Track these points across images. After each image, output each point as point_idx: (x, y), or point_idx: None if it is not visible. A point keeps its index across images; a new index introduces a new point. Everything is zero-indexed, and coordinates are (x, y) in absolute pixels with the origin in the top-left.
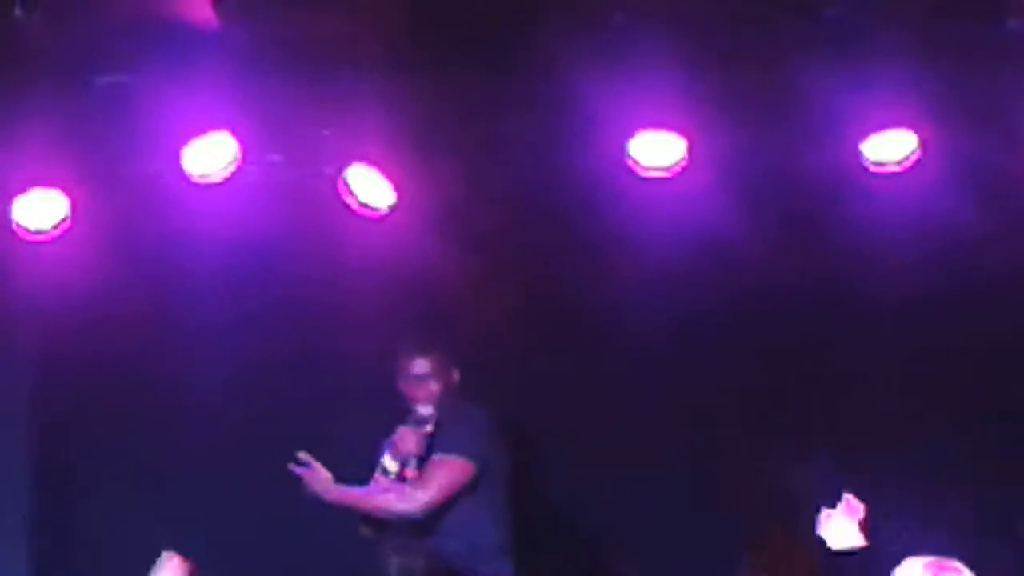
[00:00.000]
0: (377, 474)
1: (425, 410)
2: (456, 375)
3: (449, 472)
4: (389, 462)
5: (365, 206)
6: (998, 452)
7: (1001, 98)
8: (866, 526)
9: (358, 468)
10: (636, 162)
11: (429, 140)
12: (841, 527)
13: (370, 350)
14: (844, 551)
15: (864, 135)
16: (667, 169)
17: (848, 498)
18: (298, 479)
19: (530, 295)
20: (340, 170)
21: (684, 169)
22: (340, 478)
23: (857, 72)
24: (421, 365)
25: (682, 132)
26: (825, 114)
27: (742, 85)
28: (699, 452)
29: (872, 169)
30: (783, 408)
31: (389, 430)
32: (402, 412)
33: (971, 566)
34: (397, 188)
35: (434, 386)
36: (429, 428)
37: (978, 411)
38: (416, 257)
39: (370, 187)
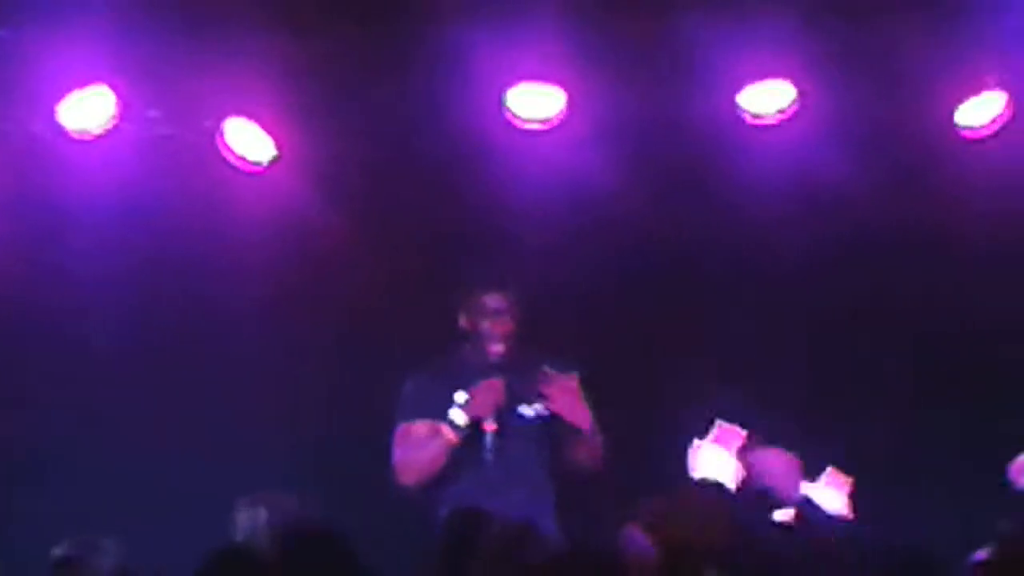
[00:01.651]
0: (442, 425)
1: (501, 354)
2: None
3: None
4: (459, 414)
5: (244, 160)
6: (880, 399)
7: (881, 50)
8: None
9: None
10: (514, 114)
11: (308, 95)
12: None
13: (253, 300)
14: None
15: (743, 86)
16: (546, 121)
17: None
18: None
19: (405, 253)
20: (219, 124)
21: (563, 121)
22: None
23: (737, 23)
24: (498, 299)
25: (561, 84)
26: (706, 65)
27: (623, 36)
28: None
29: (750, 120)
30: (661, 365)
31: (271, 378)
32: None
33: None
34: (278, 143)
35: (509, 323)
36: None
37: (855, 357)
38: (296, 211)
39: (249, 141)
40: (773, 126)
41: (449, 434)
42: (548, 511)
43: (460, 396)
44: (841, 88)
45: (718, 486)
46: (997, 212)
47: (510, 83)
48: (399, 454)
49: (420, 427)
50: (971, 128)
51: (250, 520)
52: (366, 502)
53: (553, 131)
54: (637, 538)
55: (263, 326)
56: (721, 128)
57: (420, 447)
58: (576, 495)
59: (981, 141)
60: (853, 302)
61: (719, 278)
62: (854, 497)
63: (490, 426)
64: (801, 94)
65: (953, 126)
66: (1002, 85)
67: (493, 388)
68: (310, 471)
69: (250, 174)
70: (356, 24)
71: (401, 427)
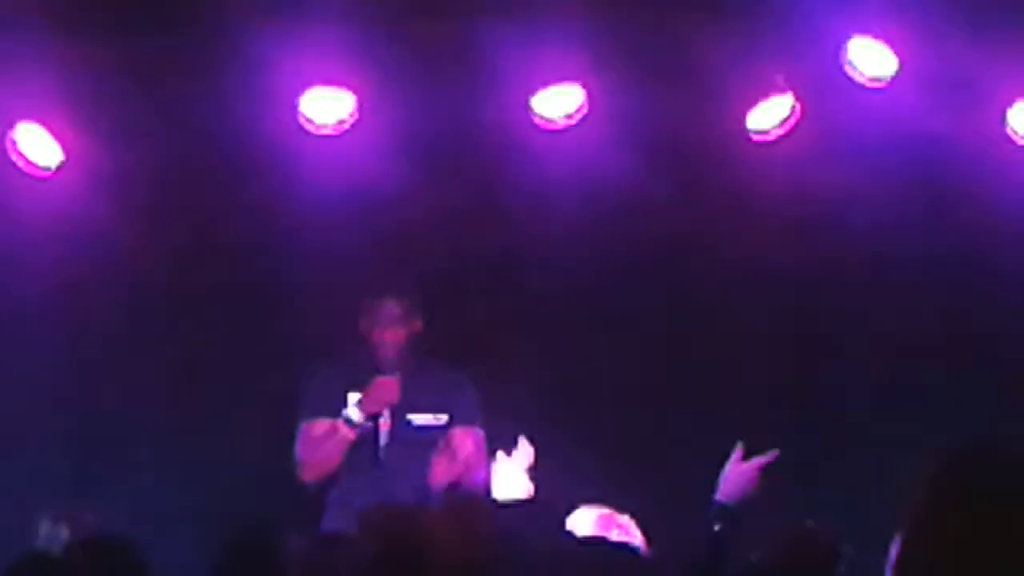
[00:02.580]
0: (339, 422)
1: (391, 360)
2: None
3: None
4: (354, 411)
5: (32, 164)
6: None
7: (671, 53)
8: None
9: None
10: (308, 119)
11: (98, 100)
12: (508, 475)
13: (49, 305)
14: (510, 502)
15: (534, 90)
16: (337, 126)
17: (522, 441)
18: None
19: (195, 259)
20: (7, 129)
21: (354, 125)
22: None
23: (529, 26)
24: (392, 307)
25: (353, 88)
26: (498, 69)
27: (414, 40)
28: None
29: (542, 125)
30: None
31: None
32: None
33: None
34: (66, 149)
35: (401, 331)
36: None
37: (650, 368)
38: (83, 216)
39: (37, 146)
40: (563, 130)
41: (347, 432)
42: None
43: (354, 396)
44: (631, 92)
45: (485, 498)
46: (785, 217)
47: (303, 87)
48: (302, 452)
49: (320, 425)
50: (761, 132)
51: (50, 532)
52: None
53: (344, 135)
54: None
55: (46, 332)
56: (513, 133)
57: (320, 445)
58: None
59: (770, 145)
60: (645, 307)
61: (507, 284)
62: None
63: (385, 424)
64: (591, 98)
65: (743, 130)
66: (791, 88)
67: (387, 385)
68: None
69: (38, 179)
70: (150, 28)
71: (304, 425)
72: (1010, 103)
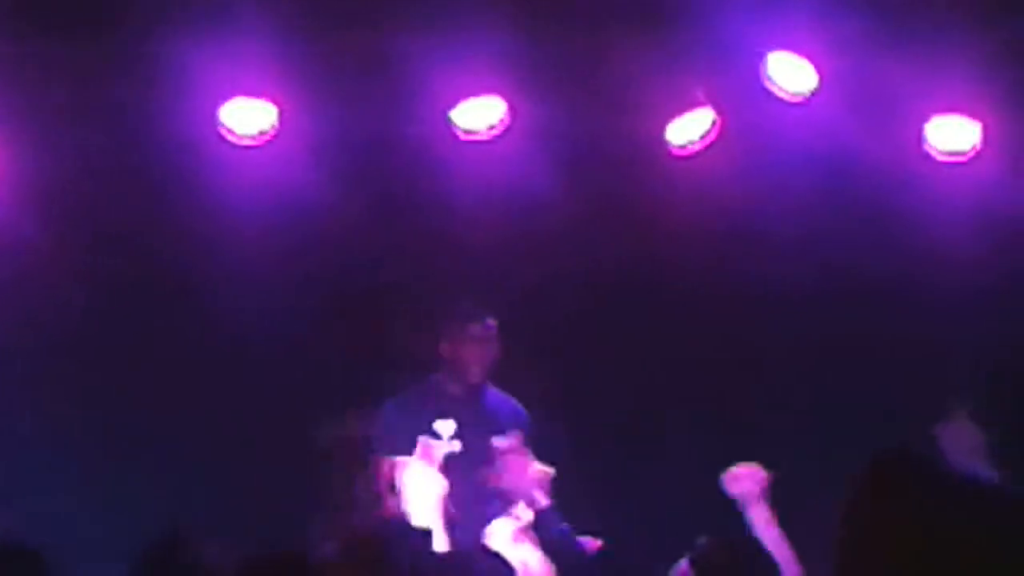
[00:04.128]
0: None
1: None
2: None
3: None
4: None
5: None
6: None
7: (591, 65)
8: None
9: None
10: (229, 130)
11: (13, 105)
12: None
13: None
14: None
15: (455, 102)
16: (257, 137)
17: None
18: None
19: (109, 265)
20: None
21: (276, 136)
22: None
23: (448, 37)
24: (490, 326)
25: (274, 99)
26: (417, 81)
27: (336, 51)
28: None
29: (462, 136)
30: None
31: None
32: None
33: None
34: None
35: (493, 351)
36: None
37: (562, 377)
38: (9, 227)
39: None
40: (484, 143)
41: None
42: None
43: (443, 425)
44: (552, 104)
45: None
46: (704, 230)
47: (224, 98)
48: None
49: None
50: (680, 146)
51: None
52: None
53: (265, 146)
54: None
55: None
56: (434, 145)
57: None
58: None
59: (690, 159)
60: (564, 319)
61: (426, 294)
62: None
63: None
64: (511, 109)
65: (663, 143)
66: (711, 102)
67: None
68: None
69: None
70: (68, 32)
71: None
72: (928, 118)
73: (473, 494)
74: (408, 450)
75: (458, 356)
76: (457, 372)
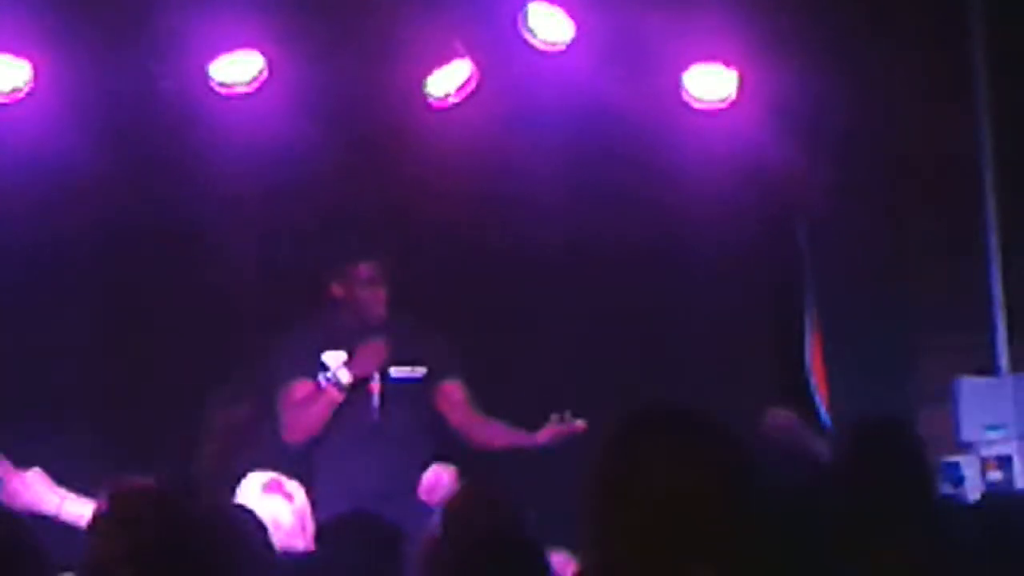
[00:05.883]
0: (324, 383)
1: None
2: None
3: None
4: (344, 373)
5: None
6: None
7: (352, 16)
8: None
9: None
10: None
11: None
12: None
13: None
14: None
15: (213, 56)
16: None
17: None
18: None
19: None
20: None
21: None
22: None
23: None
24: (374, 268)
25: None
26: (174, 35)
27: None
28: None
29: (220, 91)
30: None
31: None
32: None
33: None
34: None
35: (383, 290)
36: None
37: None
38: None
39: None
40: (240, 96)
41: (335, 394)
42: (418, 473)
43: (334, 355)
44: (311, 57)
45: None
46: (462, 182)
47: None
48: (287, 414)
49: (303, 386)
50: (439, 97)
51: None
52: None
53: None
54: None
55: None
56: (193, 100)
57: (306, 406)
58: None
59: (448, 110)
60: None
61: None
62: None
63: (375, 386)
64: (270, 63)
65: (422, 95)
66: (469, 53)
67: (377, 349)
68: None
69: None
70: None
71: (286, 387)
72: (685, 67)
73: (387, 422)
74: (303, 376)
75: (352, 295)
76: (355, 310)
